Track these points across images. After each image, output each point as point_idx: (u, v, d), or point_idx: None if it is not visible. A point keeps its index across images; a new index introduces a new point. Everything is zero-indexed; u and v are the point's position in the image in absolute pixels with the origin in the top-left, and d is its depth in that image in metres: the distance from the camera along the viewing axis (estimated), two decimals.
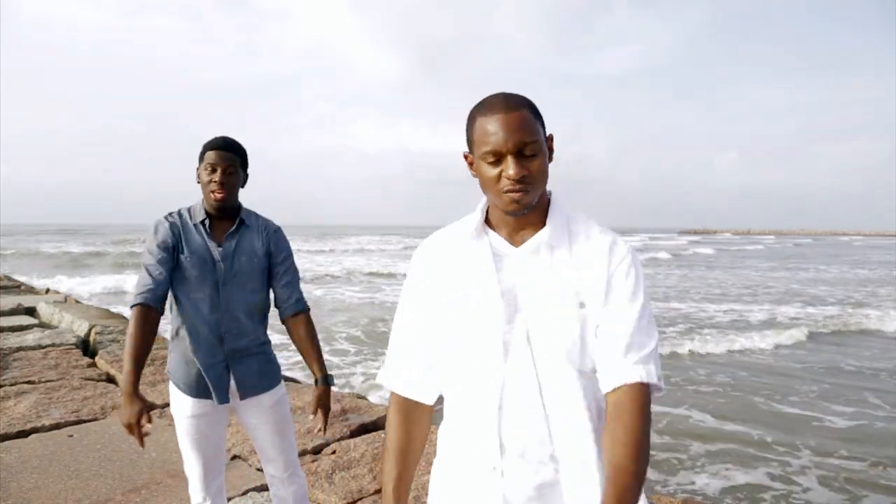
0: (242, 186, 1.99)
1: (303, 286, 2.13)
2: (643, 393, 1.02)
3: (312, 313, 2.14)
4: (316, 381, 2.03)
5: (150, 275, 1.85)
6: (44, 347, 5.59)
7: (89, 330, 6.19)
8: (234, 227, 1.95)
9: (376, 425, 3.76)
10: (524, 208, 1.08)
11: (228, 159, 1.89)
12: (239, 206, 2.01)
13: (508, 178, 1.05)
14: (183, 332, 1.95)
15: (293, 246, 2.17)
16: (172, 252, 1.88)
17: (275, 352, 2.13)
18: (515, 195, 1.05)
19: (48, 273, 20.24)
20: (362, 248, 41.61)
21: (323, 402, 2.01)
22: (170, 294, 1.93)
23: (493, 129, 1.05)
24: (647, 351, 1.04)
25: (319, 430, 2.01)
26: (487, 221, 1.17)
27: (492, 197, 1.11)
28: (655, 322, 1.10)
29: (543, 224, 1.13)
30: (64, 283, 16.80)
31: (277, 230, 2.07)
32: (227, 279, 1.92)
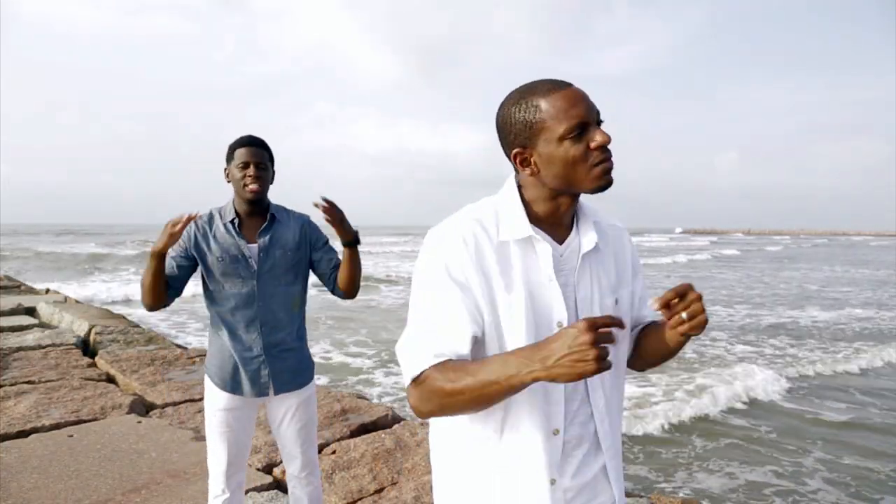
0: (272, 182, 2.03)
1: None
2: None
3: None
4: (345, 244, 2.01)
5: (172, 266, 1.95)
6: (44, 347, 5.59)
7: (89, 330, 6.19)
8: (266, 223, 2.01)
9: (376, 425, 3.76)
10: (610, 182, 1.03)
11: (259, 155, 1.96)
12: (268, 203, 2.06)
13: (599, 147, 1.00)
14: (220, 329, 2.01)
15: None
16: (192, 256, 1.97)
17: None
18: (609, 163, 1.02)
19: (75, 277, 19.87)
20: (368, 251, 41.33)
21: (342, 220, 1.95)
22: (206, 294, 2.03)
23: (573, 101, 1.00)
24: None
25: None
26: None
27: (572, 181, 1.03)
28: None
29: (572, 219, 1.13)
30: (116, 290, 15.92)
31: (309, 220, 2.12)
32: (262, 273, 1.97)
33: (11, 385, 4.40)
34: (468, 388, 0.93)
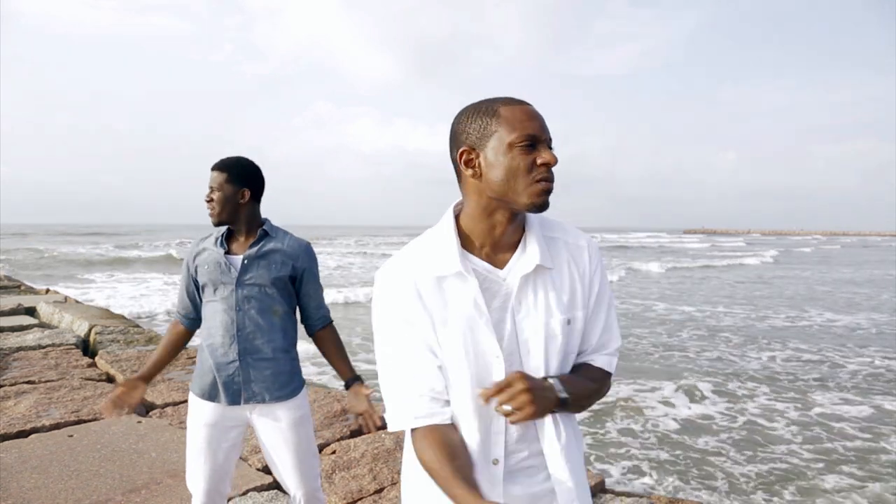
0: (244, 199, 1.99)
1: None
2: (606, 379, 1.17)
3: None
4: (346, 384, 2.09)
5: (182, 293, 2.13)
6: (44, 347, 5.59)
7: (89, 330, 6.19)
8: (256, 238, 2.02)
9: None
10: (547, 205, 1.04)
11: (214, 179, 1.99)
12: (262, 221, 2.05)
13: (544, 165, 1.02)
14: (204, 338, 2.04)
15: None
16: (192, 275, 2.08)
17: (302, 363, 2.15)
18: (549, 184, 1.02)
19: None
20: (358, 251, 38.99)
21: (357, 397, 2.04)
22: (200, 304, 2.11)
23: (529, 116, 1.03)
24: (613, 347, 1.19)
25: (369, 427, 2.01)
26: (462, 241, 1.10)
27: (508, 192, 1.03)
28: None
29: (519, 238, 1.10)
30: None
31: (307, 247, 2.09)
32: (242, 280, 1.98)
33: (11, 385, 4.40)
34: (431, 472, 1.05)
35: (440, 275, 1.07)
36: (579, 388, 1.08)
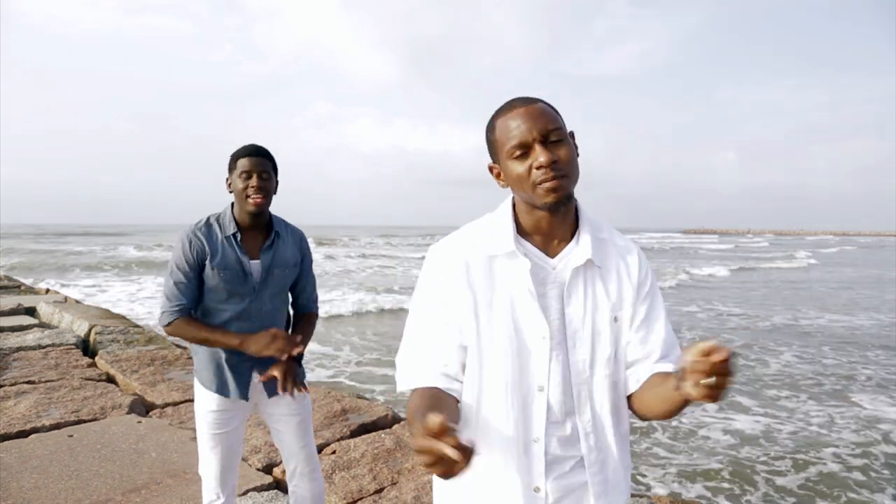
0: (275, 193, 1.97)
1: None
2: None
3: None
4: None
5: (181, 291, 1.90)
6: (44, 347, 5.59)
7: (89, 330, 6.19)
8: (270, 241, 1.95)
9: (376, 425, 3.76)
10: (563, 199, 1.05)
11: (263, 165, 1.89)
12: (270, 216, 2.00)
13: (540, 167, 1.03)
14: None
15: None
16: (199, 268, 1.91)
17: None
18: (551, 183, 1.03)
19: None
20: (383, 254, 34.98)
21: (284, 366, 1.93)
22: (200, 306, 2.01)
23: (516, 123, 1.05)
24: (677, 354, 1.13)
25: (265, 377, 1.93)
26: (517, 227, 1.14)
27: (526, 197, 1.08)
28: None
29: (573, 231, 1.13)
30: None
31: (304, 237, 2.10)
32: (260, 291, 1.94)
33: (11, 385, 4.40)
34: (409, 423, 1.01)
35: (493, 254, 1.10)
36: None
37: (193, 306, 1.95)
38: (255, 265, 1.92)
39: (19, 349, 5.48)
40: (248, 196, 1.87)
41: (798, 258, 35.66)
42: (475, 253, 1.12)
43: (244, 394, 1.98)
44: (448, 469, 0.79)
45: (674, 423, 5.64)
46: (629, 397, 1.15)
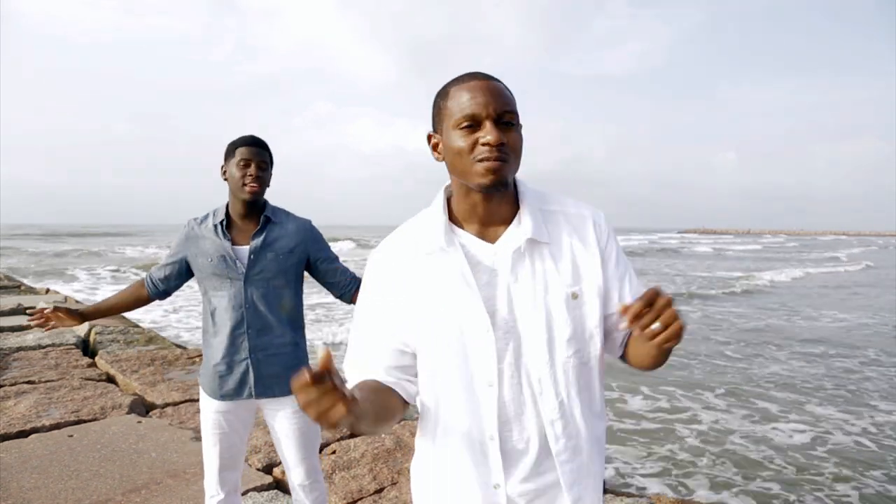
0: (268, 185, 2.02)
1: None
2: None
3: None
4: None
5: (164, 266, 2.09)
6: (44, 347, 5.59)
7: (89, 330, 6.19)
8: (259, 226, 1.99)
9: None
10: (500, 184, 0.99)
11: (261, 155, 1.95)
12: (264, 205, 2.04)
13: (486, 144, 0.98)
14: (210, 333, 2.01)
15: None
16: (184, 256, 2.04)
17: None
18: (492, 163, 0.98)
19: None
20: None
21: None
22: (202, 297, 2.05)
23: (472, 94, 0.99)
24: None
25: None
26: (451, 218, 1.09)
27: (461, 173, 1.02)
28: None
29: (514, 213, 1.07)
30: None
31: (310, 226, 2.09)
32: (250, 276, 1.95)
33: (11, 385, 4.40)
34: None
35: (427, 251, 1.06)
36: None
37: (165, 289, 2.10)
38: (241, 250, 1.95)
39: (19, 349, 5.48)
40: (244, 184, 1.92)
41: (847, 260, 33.34)
42: (411, 252, 1.08)
43: (245, 395, 1.98)
44: (322, 414, 0.78)
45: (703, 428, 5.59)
46: (622, 358, 1.13)
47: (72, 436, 3.47)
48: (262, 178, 1.94)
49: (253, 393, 1.98)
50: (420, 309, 1.06)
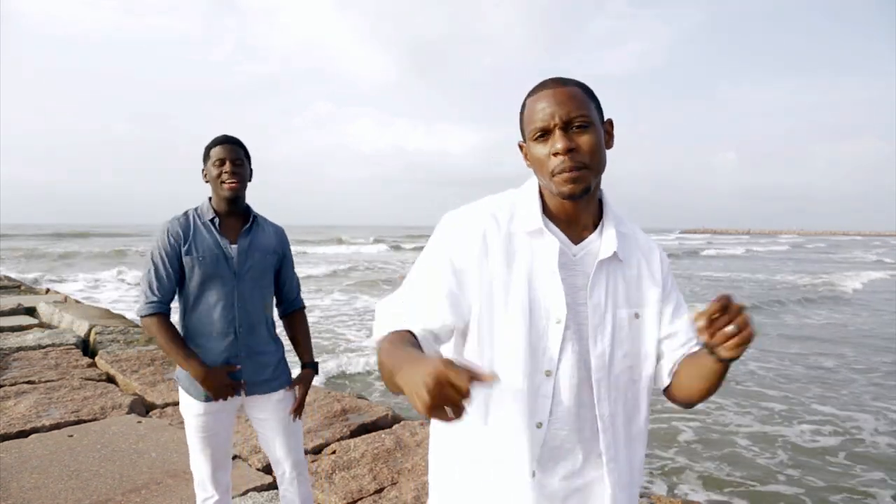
0: (249, 180, 2.04)
1: None
2: None
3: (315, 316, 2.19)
4: (303, 365, 2.14)
5: (159, 281, 1.92)
6: (44, 347, 5.59)
7: (89, 330, 6.19)
8: (248, 225, 2.01)
9: (376, 425, 3.76)
10: (581, 192, 1.02)
11: (234, 152, 1.96)
12: (247, 205, 2.06)
13: (556, 154, 1.01)
14: (195, 334, 1.96)
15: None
16: (178, 256, 1.92)
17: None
18: (567, 175, 1.01)
19: None
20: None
21: (304, 382, 2.09)
22: (181, 299, 1.99)
23: (542, 105, 1.03)
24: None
25: (292, 410, 2.05)
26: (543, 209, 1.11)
27: (545, 182, 1.06)
28: None
29: (597, 222, 1.11)
30: None
31: (283, 232, 2.15)
32: (242, 275, 1.96)
33: (11, 385, 4.40)
34: (384, 365, 0.91)
35: (515, 230, 1.07)
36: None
37: (170, 300, 1.96)
38: (233, 249, 1.97)
39: (19, 349, 5.48)
40: (223, 182, 1.94)
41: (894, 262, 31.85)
42: (495, 227, 1.07)
43: (235, 394, 1.98)
44: (452, 416, 0.75)
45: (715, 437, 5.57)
46: (668, 391, 1.14)
47: (72, 436, 3.47)
48: (239, 174, 1.96)
49: (242, 391, 1.98)
50: (493, 286, 1.04)
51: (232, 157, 1.95)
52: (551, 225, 1.09)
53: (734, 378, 7.38)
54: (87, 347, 5.98)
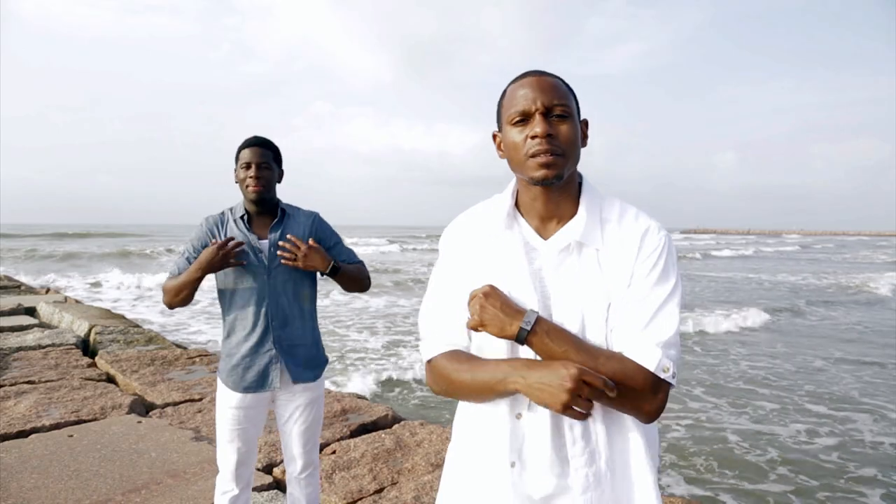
0: (279, 181, 2.09)
1: None
2: (648, 381, 0.97)
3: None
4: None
5: (188, 262, 2.02)
6: (44, 347, 5.59)
7: (89, 330, 6.19)
8: (277, 219, 2.06)
9: (376, 425, 3.76)
10: (553, 177, 1.02)
11: (261, 155, 2.02)
12: (278, 201, 2.11)
13: (535, 137, 1.01)
14: (232, 329, 2.04)
15: None
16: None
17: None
18: (543, 158, 1.01)
19: None
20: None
21: (319, 253, 2.00)
22: (219, 293, 2.07)
23: (523, 91, 1.04)
24: (665, 337, 0.99)
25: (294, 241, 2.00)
26: (517, 207, 1.13)
27: (519, 168, 1.06)
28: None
29: (574, 212, 1.08)
30: None
31: (319, 217, 2.17)
32: (273, 268, 2.01)
33: (11, 385, 4.40)
34: (465, 384, 1.05)
35: (490, 233, 1.11)
36: (563, 343, 0.97)
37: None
38: (263, 243, 2.02)
39: (19, 349, 5.48)
40: (247, 186, 2.01)
41: None
42: (477, 232, 1.13)
43: (268, 386, 2.02)
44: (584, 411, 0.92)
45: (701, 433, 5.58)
46: None
47: (72, 436, 3.47)
48: (264, 177, 2.01)
49: (275, 385, 2.02)
50: (476, 284, 1.07)
51: (258, 160, 2.00)
52: (523, 222, 1.11)
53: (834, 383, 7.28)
54: (87, 347, 5.98)
